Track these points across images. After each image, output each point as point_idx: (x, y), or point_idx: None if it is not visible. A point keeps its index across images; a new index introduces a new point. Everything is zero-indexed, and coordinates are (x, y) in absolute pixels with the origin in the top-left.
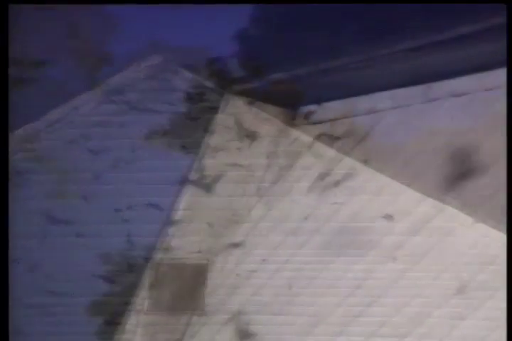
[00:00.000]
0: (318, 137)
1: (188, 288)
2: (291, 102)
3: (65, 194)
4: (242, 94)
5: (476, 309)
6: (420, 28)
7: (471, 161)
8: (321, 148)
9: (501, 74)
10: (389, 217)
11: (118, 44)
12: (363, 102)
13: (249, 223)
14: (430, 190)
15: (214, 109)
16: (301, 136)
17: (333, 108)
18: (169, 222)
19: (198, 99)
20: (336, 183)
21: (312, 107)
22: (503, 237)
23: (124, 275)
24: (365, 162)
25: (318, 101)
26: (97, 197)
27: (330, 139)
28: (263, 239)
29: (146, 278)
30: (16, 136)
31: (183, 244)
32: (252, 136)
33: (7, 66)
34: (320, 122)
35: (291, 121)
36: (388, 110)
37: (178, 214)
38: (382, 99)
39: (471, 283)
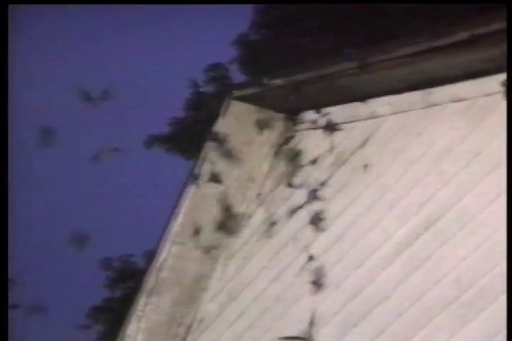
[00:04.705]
0: (319, 143)
1: (188, 294)
2: (291, 108)
3: None
4: (242, 99)
5: (476, 315)
6: (419, 34)
7: (471, 165)
8: (322, 153)
9: (501, 79)
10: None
11: None
12: (362, 107)
13: (250, 228)
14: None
15: (214, 115)
16: (302, 141)
17: (333, 113)
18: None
19: (198, 104)
20: (337, 188)
21: (312, 113)
22: (504, 242)
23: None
24: (366, 167)
25: (319, 106)
26: None
27: (330, 144)
28: (263, 244)
29: (146, 284)
30: None
31: (184, 248)
32: (252, 142)
33: (7, 66)
34: (320, 127)
35: (292, 126)
36: (388, 115)
37: (179, 220)
38: (382, 105)
39: (472, 287)
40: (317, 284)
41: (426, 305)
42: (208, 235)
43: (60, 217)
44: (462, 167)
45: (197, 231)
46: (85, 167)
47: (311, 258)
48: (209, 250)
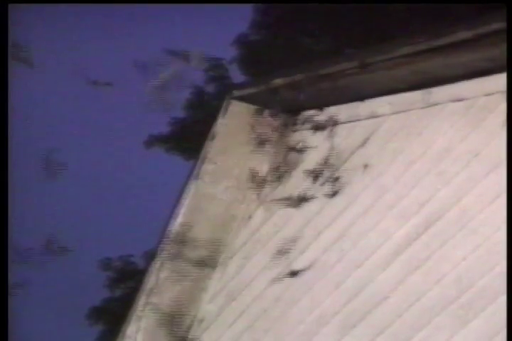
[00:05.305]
0: (319, 142)
1: (188, 295)
2: (291, 107)
3: None
4: (242, 99)
5: (476, 315)
6: (419, 33)
7: (471, 165)
8: (322, 153)
9: (501, 79)
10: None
11: None
12: (362, 107)
13: (249, 229)
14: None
15: (214, 115)
16: (302, 141)
17: (333, 113)
18: (170, 227)
19: (198, 104)
20: (337, 189)
21: (312, 112)
22: (504, 242)
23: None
24: (365, 167)
25: (319, 106)
26: None
27: (330, 144)
28: (263, 244)
29: (146, 284)
30: None
31: (183, 249)
32: (252, 142)
33: (7, 66)
34: (320, 127)
35: (292, 126)
36: (388, 115)
37: (179, 220)
38: (382, 104)
39: (472, 288)
40: (316, 284)
41: (426, 306)
42: (208, 235)
43: (59, 217)
44: (462, 167)
45: (197, 231)
46: (85, 167)
47: (310, 258)
48: (208, 250)
